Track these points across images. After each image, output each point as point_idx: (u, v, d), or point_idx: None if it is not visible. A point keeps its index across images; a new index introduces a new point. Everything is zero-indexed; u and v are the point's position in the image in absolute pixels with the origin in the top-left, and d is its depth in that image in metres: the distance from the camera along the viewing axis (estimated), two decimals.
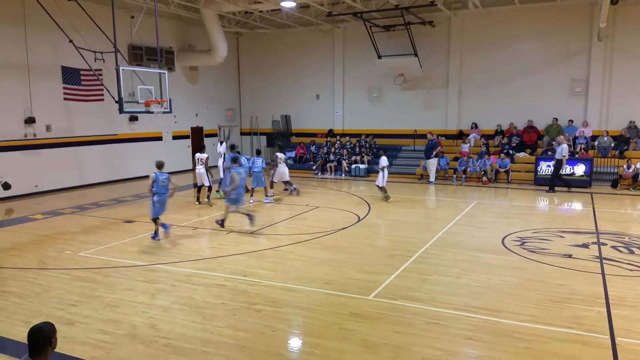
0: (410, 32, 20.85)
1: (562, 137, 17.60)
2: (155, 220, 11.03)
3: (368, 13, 20.38)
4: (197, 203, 15.20)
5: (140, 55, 20.06)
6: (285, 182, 16.51)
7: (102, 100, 18.50)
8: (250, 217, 11.59)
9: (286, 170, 16.33)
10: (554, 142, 17.43)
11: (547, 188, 17.14)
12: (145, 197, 15.87)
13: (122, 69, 14.11)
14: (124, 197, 16.44)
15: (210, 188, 15.31)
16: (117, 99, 14.22)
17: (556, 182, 17.08)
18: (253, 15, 22.39)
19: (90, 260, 9.53)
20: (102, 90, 17.85)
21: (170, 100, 15.47)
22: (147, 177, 11.67)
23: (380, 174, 15.37)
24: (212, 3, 19.37)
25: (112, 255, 9.83)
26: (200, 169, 15.06)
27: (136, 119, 20.46)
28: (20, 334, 6.24)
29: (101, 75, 17.38)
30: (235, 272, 8.68)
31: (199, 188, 15.63)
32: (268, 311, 7.02)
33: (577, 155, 18.51)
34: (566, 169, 17.65)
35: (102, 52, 16.43)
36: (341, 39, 24.05)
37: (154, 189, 10.87)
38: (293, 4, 18.65)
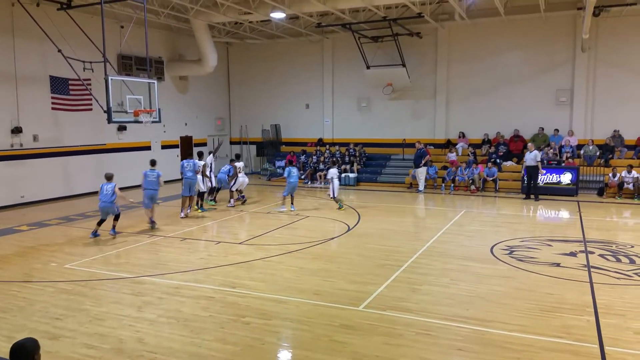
0: (398, 43, 21.04)
1: (530, 144, 17.84)
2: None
3: (356, 24, 20.55)
4: (198, 210, 15.29)
5: (129, 65, 19.99)
6: (238, 191, 16.78)
7: (91, 110, 18.38)
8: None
9: (246, 179, 16.81)
10: (526, 151, 17.71)
11: (533, 197, 17.29)
12: (133, 208, 15.81)
13: (111, 79, 14.04)
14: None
15: (203, 194, 15.56)
16: (105, 108, 14.12)
17: (533, 189, 17.29)
18: (243, 25, 22.44)
19: (76, 273, 9.40)
20: (90, 100, 17.74)
21: (159, 109, 15.41)
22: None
23: (331, 185, 15.77)
24: (202, 13, 19.39)
25: (99, 268, 9.72)
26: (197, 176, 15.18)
27: (125, 128, 20.36)
28: (2, 350, 6.12)
29: (90, 85, 17.26)
30: (224, 284, 8.61)
31: (200, 194, 15.64)
32: (257, 323, 6.96)
33: (563, 164, 18.70)
34: (552, 178, 17.84)
35: (91, 62, 16.35)
36: (330, 50, 24.19)
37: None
38: (282, 15, 18.74)
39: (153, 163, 13.63)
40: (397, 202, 17.39)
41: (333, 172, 16.02)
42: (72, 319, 7.19)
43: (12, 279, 9.13)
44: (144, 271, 9.44)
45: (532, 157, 17.13)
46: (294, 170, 15.72)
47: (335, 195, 15.79)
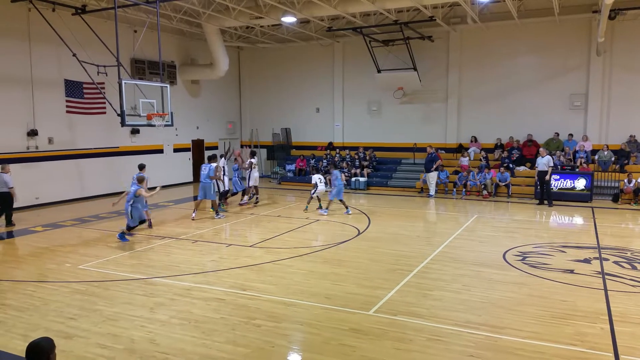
0: (410, 46, 20.99)
1: (542, 149, 17.71)
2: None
3: (367, 28, 20.55)
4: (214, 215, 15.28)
5: (142, 69, 20.18)
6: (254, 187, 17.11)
7: (104, 113, 18.59)
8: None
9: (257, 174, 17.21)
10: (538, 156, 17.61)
11: (547, 203, 17.15)
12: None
13: (125, 83, 14.20)
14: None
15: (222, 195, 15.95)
16: (119, 112, 14.29)
17: (546, 195, 17.15)
18: (254, 30, 22.57)
19: (89, 273, 9.49)
20: (104, 103, 17.95)
21: (171, 113, 15.55)
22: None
23: (314, 189, 16.04)
24: (214, 18, 19.53)
25: (112, 269, 9.80)
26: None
27: (138, 131, 20.54)
28: (18, 348, 6.20)
29: (104, 88, 17.49)
30: (235, 286, 8.64)
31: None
32: (268, 326, 6.97)
33: (577, 170, 18.52)
34: (566, 183, 17.68)
35: (105, 66, 16.55)
36: (341, 54, 24.21)
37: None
38: (293, 19, 18.80)
39: (141, 167, 13.95)
40: (407, 206, 17.33)
41: (316, 177, 16.23)
42: (85, 318, 7.26)
43: (27, 279, 9.25)
44: (156, 272, 9.50)
45: (544, 162, 17.01)
46: (339, 174, 15.77)
47: (314, 196, 16.10)
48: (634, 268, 9.67)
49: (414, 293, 8.30)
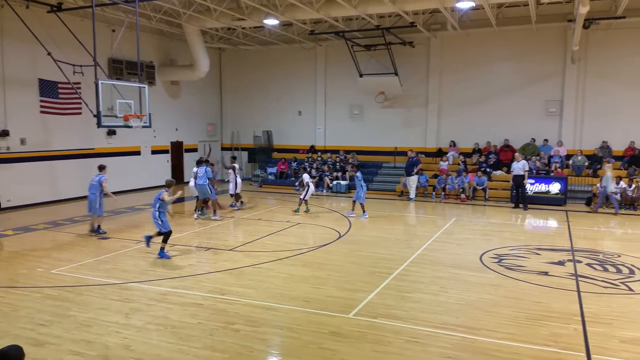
0: (391, 51, 21.15)
1: (518, 154, 18.00)
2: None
3: (350, 32, 20.63)
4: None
5: (120, 69, 19.91)
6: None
7: (80, 113, 18.26)
8: None
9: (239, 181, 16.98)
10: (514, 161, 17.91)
11: (522, 206, 17.39)
12: (122, 213, 15.73)
13: (102, 83, 13.97)
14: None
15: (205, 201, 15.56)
16: (95, 112, 14.04)
17: (521, 199, 17.41)
18: (236, 31, 22.47)
19: (63, 278, 9.30)
20: (80, 103, 17.64)
21: (149, 114, 15.35)
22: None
23: (305, 191, 16.31)
24: (195, 19, 19.38)
25: (86, 273, 9.61)
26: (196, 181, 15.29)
27: (114, 133, 20.24)
28: None
29: (80, 88, 17.18)
30: (213, 291, 8.55)
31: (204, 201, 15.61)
32: (246, 331, 6.91)
33: (552, 174, 18.84)
34: (541, 187, 17.99)
35: (81, 66, 16.27)
36: (323, 57, 24.26)
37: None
38: (276, 22, 18.77)
39: (101, 168, 13.48)
40: (388, 209, 17.40)
41: (307, 177, 16.73)
42: (57, 325, 7.10)
43: None
44: (132, 277, 9.36)
45: (520, 166, 17.26)
46: (361, 175, 15.95)
47: (306, 198, 16.38)
48: (606, 270, 9.87)
49: (393, 295, 8.33)
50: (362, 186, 15.58)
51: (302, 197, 16.32)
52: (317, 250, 11.48)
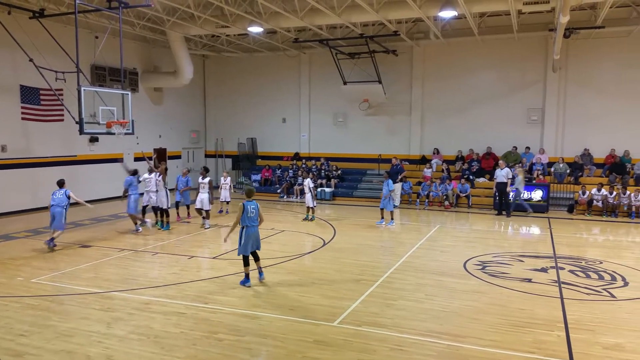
0: (375, 60, 21.29)
1: (502, 162, 18.20)
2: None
3: (334, 40, 20.73)
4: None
5: (103, 75, 19.74)
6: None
7: (62, 120, 18.05)
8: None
9: (206, 196, 14.92)
10: (497, 168, 18.06)
11: (505, 213, 17.55)
12: (104, 221, 15.53)
13: (84, 90, 13.84)
14: (82, 221, 15.93)
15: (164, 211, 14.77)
16: (77, 119, 13.89)
17: (504, 206, 17.56)
18: (220, 38, 22.42)
19: (43, 287, 9.13)
20: (62, 110, 17.44)
21: (132, 121, 15.21)
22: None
23: (312, 198, 16.26)
24: (179, 26, 19.31)
25: (67, 282, 9.45)
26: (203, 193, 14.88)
27: (97, 140, 20.02)
28: None
29: (62, 95, 16.98)
30: (196, 299, 8.46)
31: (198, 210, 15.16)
32: (230, 340, 6.84)
33: (534, 181, 19.05)
34: (523, 194, 18.17)
35: (63, 72, 16.09)
36: (307, 65, 24.32)
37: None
38: (260, 30, 18.78)
39: (60, 184, 12.69)
40: (372, 217, 17.42)
41: (310, 182, 16.43)
42: (37, 335, 6.96)
43: None
44: (114, 286, 9.22)
45: (503, 174, 17.44)
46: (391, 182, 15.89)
47: (315, 205, 16.40)
48: (588, 277, 9.98)
49: (378, 303, 8.32)
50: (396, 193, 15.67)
51: (312, 204, 16.22)
52: (302, 258, 11.44)
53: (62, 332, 7.08)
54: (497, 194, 17.84)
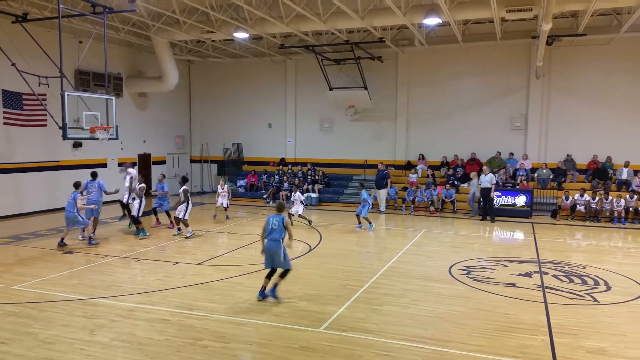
0: (360, 66, 21.39)
1: (486, 167, 18.39)
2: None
3: (319, 47, 20.80)
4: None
5: (87, 80, 19.57)
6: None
7: (45, 125, 17.85)
8: None
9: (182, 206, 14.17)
10: (481, 175, 18.22)
11: (489, 219, 17.70)
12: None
13: (68, 94, 13.70)
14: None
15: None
16: (61, 124, 13.74)
17: (489, 211, 17.72)
18: (205, 44, 22.37)
19: (25, 294, 8.98)
20: (45, 115, 17.24)
21: (116, 126, 15.09)
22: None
23: (302, 206, 16.23)
24: (164, 31, 19.23)
25: (49, 289, 9.32)
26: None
27: (80, 145, 19.81)
28: None
29: (45, 100, 16.80)
30: (181, 306, 8.39)
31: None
32: (215, 347, 6.79)
33: (518, 187, 19.25)
34: (507, 200, 18.36)
35: (46, 77, 15.93)
36: (293, 70, 24.36)
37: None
38: (246, 35, 18.77)
39: (76, 185, 13.13)
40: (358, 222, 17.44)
41: (299, 195, 16.55)
42: (19, 343, 6.85)
43: None
44: (97, 293, 9.11)
45: (487, 179, 17.61)
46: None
47: (303, 213, 16.29)
48: (571, 281, 10.10)
49: (364, 308, 8.32)
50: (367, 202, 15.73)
51: (300, 213, 16.10)
52: None
53: (44, 339, 6.97)
54: (481, 199, 17.99)
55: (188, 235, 14.21)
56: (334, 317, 7.92)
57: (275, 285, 8.72)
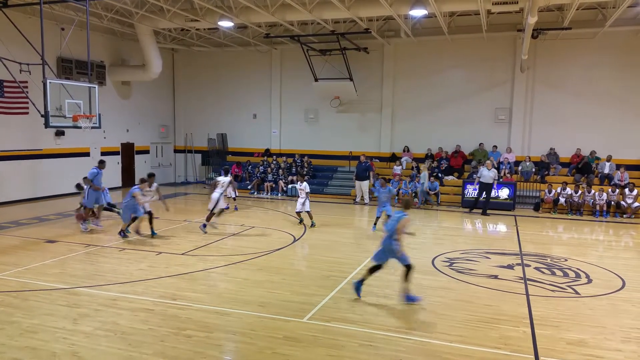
0: (346, 57, 21.35)
1: (488, 162, 18.51)
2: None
3: (305, 37, 20.70)
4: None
5: (69, 68, 19.26)
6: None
7: (27, 113, 17.53)
8: None
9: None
10: (481, 167, 18.27)
11: (482, 211, 17.77)
12: (70, 216, 15.18)
13: (50, 82, 13.47)
14: (47, 216, 15.55)
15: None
16: (42, 112, 13.52)
17: (484, 205, 17.87)
18: (189, 32, 22.13)
19: (6, 283, 8.88)
20: (27, 103, 16.94)
21: (99, 115, 14.89)
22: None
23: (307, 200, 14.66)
24: (147, 19, 18.98)
25: (32, 278, 9.23)
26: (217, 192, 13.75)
27: (63, 133, 19.54)
28: None
29: (26, 87, 16.47)
30: (164, 296, 8.36)
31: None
32: (199, 337, 6.79)
33: (501, 180, 19.43)
34: (491, 193, 18.52)
35: (28, 64, 15.59)
36: (279, 61, 24.22)
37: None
38: (230, 24, 18.60)
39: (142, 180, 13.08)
40: (343, 214, 17.52)
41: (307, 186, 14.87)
42: (0, 332, 6.77)
43: None
44: (80, 282, 9.03)
45: (490, 174, 17.66)
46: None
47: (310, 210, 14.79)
48: (553, 274, 10.26)
49: (347, 299, 8.37)
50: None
51: (307, 209, 14.60)
52: (272, 255, 11.41)
53: (27, 328, 6.91)
54: (483, 193, 17.86)
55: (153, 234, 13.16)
56: (317, 307, 7.96)
57: (406, 290, 8.30)
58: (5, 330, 6.85)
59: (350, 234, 14.35)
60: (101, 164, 14.11)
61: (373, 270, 8.51)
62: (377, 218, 14.53)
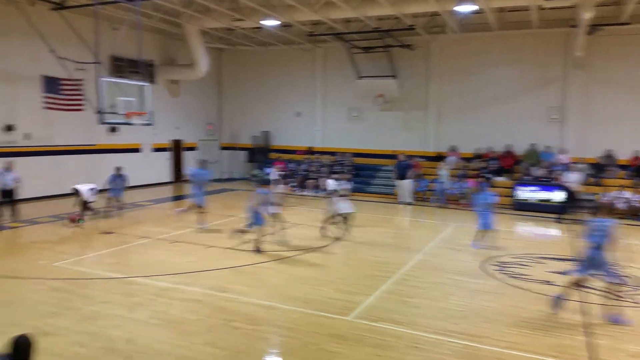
0: (390, 54, 21.11)
1: (573, 165, 17.88)
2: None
3: (348, 34, 20.63)
4: None
5: (121, 67, 19.91)
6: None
7: (82, 110, 18.25)
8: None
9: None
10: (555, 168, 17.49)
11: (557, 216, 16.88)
12: (124, 209, 15.69)
13: (103, 80, 13.99)
14: (101, 208, 16.11)
15: None
16: (97, 109, 14.08)
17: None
18: (235, 31, 22.47)
19: (66, 271, 9.32)
20: (82, 100, 17.65)
21: (151, 112, 15.36)
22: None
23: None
24: (194, 19, 19.39)
25: (89, 267, 9.65)
26: None
27: (115, 130, 20.25)
28: None
29: (82, 85, 17.19)
30: (213, 288, 8.56)
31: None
32: (246, 329, 6.92)
33: (554, 182, 18.69)
34: (543, 195, 17.88)
35: (83, 63, 16.28)
36: (322, 59, 24.23)
37: None
38: (274, 23, 18.76)
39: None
40: (386, 213, 17.41)
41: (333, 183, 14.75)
42: (63, 316, 7.16)
43: (1, 275, 9.00)
44: (134, 272, 9.36)
45: (575, 178, 17.13)
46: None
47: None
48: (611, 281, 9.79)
49: (393, 300, 8.33)
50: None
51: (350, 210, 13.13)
52: (317, 252, 11.47)
53: (85, 314, 7.25)
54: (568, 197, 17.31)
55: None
56: (362, 306, 7.95)
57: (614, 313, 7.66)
58: (66, 315, 7.21)
59: (394, 233, 14.24)
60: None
61: (576, 284, 7.98)
62: (482, 232, 12.26)
